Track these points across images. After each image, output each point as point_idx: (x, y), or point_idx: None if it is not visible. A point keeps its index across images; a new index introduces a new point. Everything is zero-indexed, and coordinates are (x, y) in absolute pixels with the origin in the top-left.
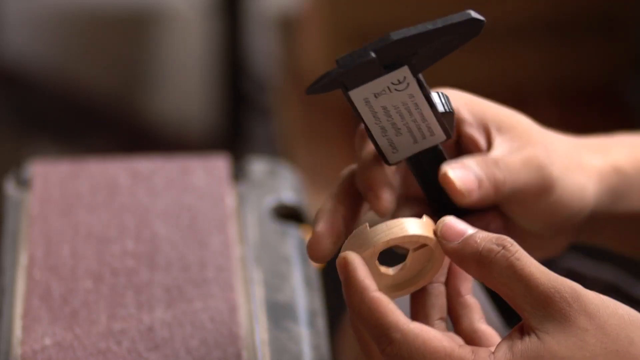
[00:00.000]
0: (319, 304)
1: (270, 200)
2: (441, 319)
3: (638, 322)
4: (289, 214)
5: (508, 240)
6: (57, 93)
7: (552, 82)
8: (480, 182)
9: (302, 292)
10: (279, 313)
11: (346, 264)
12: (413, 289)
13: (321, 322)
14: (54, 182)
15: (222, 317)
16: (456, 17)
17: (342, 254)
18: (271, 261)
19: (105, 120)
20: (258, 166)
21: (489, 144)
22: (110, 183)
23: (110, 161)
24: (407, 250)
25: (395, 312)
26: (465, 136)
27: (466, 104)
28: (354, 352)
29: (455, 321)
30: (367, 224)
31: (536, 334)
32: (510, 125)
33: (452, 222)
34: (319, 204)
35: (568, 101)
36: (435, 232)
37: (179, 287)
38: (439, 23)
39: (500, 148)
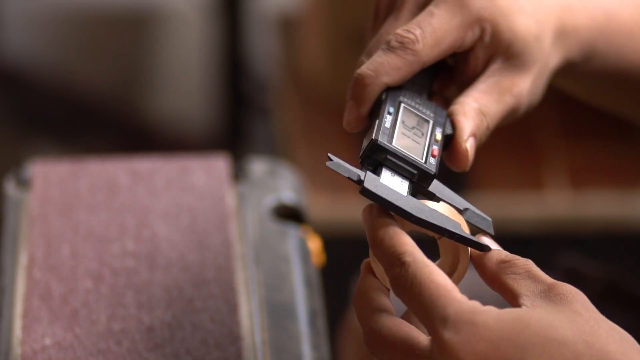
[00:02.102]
0: (319, 304)
1: (270, 200)
2: None
3: (631, 342)
4: (289, 214)
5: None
6: (57, 93)
7: None
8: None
9: (302, 292)
10: (279, 313)
11: (372, 208)
12: (454, 280)
13: (321, 322)
14: (54, 182)
15: (222, 317)
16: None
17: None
18: (271, 261)
19: (105, 120)
20: (258, 166)
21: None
22: (110, 183)
23: (110, 161)
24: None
25: (412, 244)
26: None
27: None
28: (354, 351)
29: None
30: None
31: (527, 306)
32: None
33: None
34: (319, 204)
35: None
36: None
37: (179, 287)
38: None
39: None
